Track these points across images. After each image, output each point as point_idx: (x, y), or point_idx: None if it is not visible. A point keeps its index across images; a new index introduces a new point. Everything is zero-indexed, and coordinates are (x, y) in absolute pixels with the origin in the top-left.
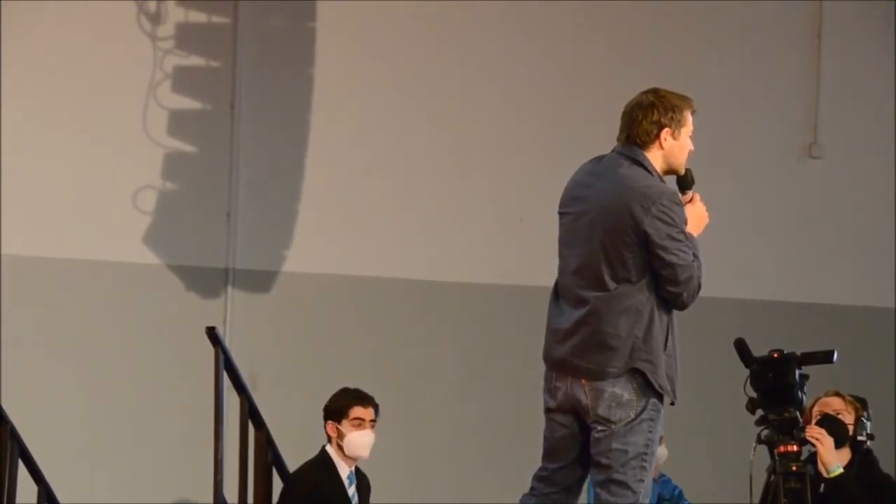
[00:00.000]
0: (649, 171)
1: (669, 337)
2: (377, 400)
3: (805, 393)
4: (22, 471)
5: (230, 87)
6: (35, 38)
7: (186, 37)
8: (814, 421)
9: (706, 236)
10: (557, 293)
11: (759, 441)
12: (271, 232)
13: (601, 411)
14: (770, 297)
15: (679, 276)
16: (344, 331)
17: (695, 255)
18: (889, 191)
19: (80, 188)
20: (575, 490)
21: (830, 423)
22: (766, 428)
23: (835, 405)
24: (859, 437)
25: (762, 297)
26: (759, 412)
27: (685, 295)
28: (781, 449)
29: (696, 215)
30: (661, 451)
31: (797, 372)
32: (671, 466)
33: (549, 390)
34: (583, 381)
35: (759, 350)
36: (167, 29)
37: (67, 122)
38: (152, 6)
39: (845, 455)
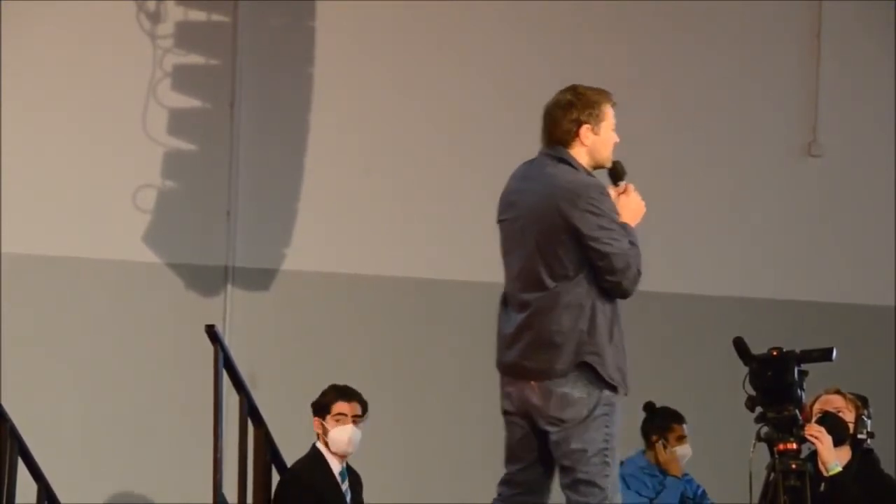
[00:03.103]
0: (575, 168)
1: (615, 328)
2: (376, 398)
3: (804, 390)
4: (22, 469)
5: (230, 86)
6: (35, 38)
7: (186, 35)
8: (814, 419)
9: (705, 235)
10: (505, 300)
11: (759, 439)
12: (271, 230)
13: (552, 411)
14: (769, 295)
15: (615, 265)
16: (343, 329)
17: (632, 243)
18: (889, 189)
19: (80, 187)
20: (537, 490)
21: (831, 421)
22: (765, 426)
23: (835, 403)
24: (859, 435)
25: (762, 296)
26: (759, 410)
27: (625, 283)
28: (781, 447)
29: (632, 206)
30: (685, 450)
31: (796, 369)
32: None
33: (505, 395)
34: (532, 383)
35: (758, 349)
36: (167, 28)
37: (67, 121)
38: (152, 5)
39: (845, 453)
